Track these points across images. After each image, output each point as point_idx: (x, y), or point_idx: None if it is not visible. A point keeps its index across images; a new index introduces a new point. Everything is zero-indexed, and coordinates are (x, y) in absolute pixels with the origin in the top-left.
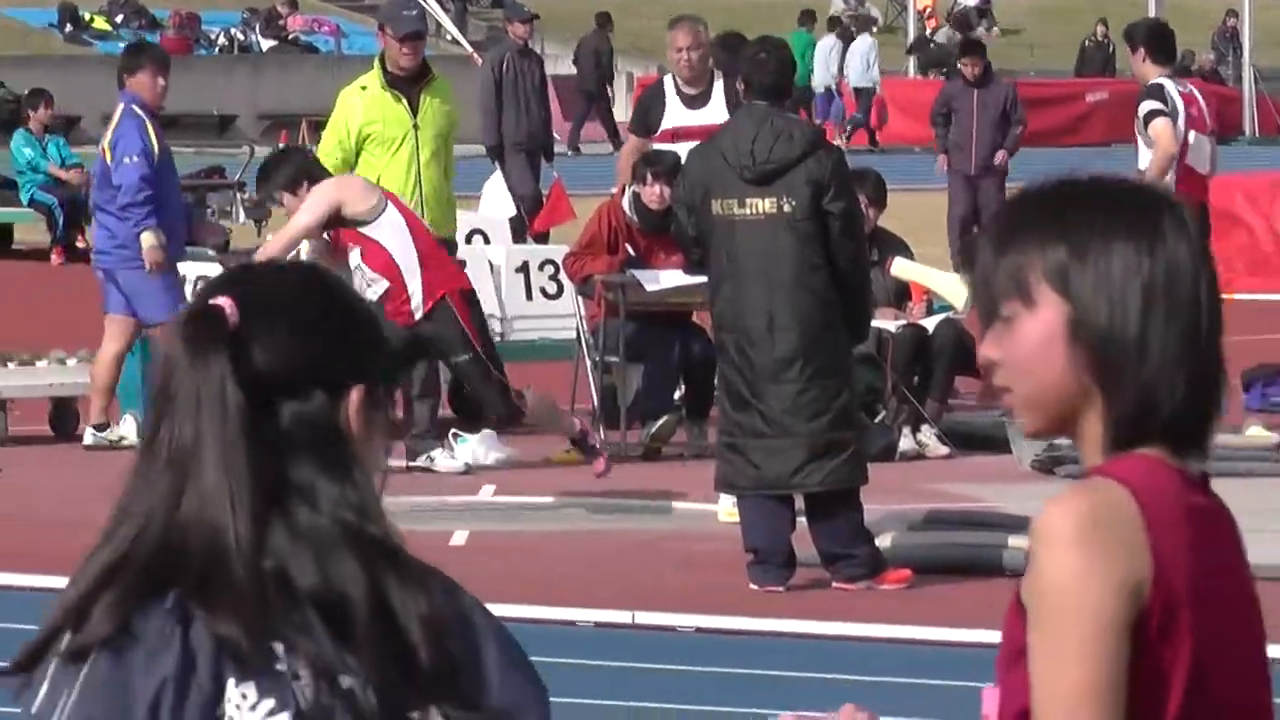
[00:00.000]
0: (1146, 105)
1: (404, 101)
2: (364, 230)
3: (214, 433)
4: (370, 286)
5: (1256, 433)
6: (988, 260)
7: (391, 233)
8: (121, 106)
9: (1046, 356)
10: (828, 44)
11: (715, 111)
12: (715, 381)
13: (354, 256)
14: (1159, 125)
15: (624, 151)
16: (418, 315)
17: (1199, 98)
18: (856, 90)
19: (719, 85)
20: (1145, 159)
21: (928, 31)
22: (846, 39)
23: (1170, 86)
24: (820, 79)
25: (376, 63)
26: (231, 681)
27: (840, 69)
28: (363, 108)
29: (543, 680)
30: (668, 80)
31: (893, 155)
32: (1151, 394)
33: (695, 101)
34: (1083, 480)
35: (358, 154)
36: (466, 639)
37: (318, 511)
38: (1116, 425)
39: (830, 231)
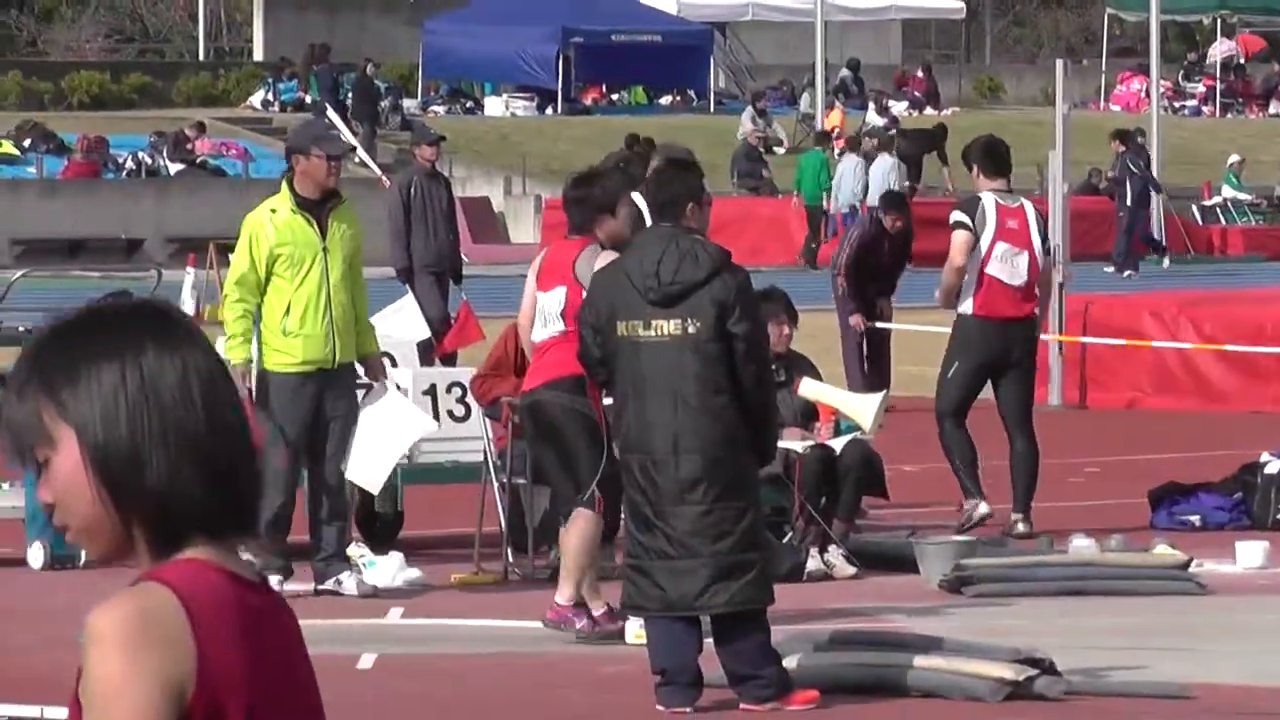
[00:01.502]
0: (954, 216)
1: (313, 224)
2: None
3: None
4: None
5: (1163, 551)
6: (13, 411)
7: None
8: None
9: (78, 487)
10: (851, 163)
11: None
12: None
13: None
14: (955, 237)
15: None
16: None
17: (1027, 213)
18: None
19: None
20: None
21: (835, 152)
22: (869, 159)
23: (989, 200)
24: (845, 198)
25: (284, 185)
26: None
27: (865, 188)
28: (273, 230)
29: None
30: (638, 199)
31: (804, 274)
32: (163, 500)
33: None
34: (132, 586)
35: (268, 278)
36: None
37: None
38: (147, 534)
39: (735, 353)
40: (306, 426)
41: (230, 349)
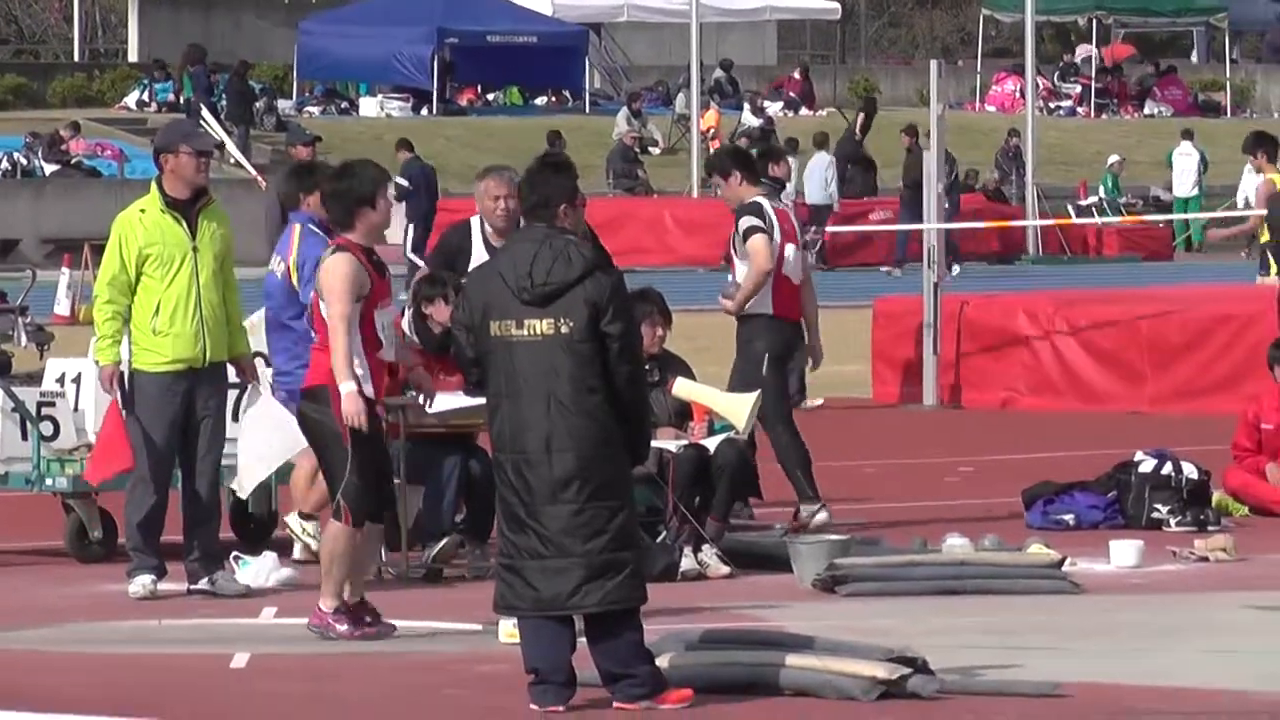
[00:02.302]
0: (745, 221)
1: (183, 223)
2: None
3: None
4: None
5: (1037, 550)
6: None
7: None
8: (299, 227)
9: None
10: (823, 160)
11: None
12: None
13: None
14: (757, 241)
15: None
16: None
17: (790, 214)
18: (813, 207)
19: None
20: (742, 272)
21: (711, 153)
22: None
23: (766, 204)
24: (817, 196)
25: (154, 185)
26: None
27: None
28: (143, 230)
29: None
30: (475, 223)
31: (680, 274)
32: None
33: None
34: None
35: (138, 278)
36: None
37: None
38: None
39: (608, 353)
40: (178, 425)
41: (100, 350)
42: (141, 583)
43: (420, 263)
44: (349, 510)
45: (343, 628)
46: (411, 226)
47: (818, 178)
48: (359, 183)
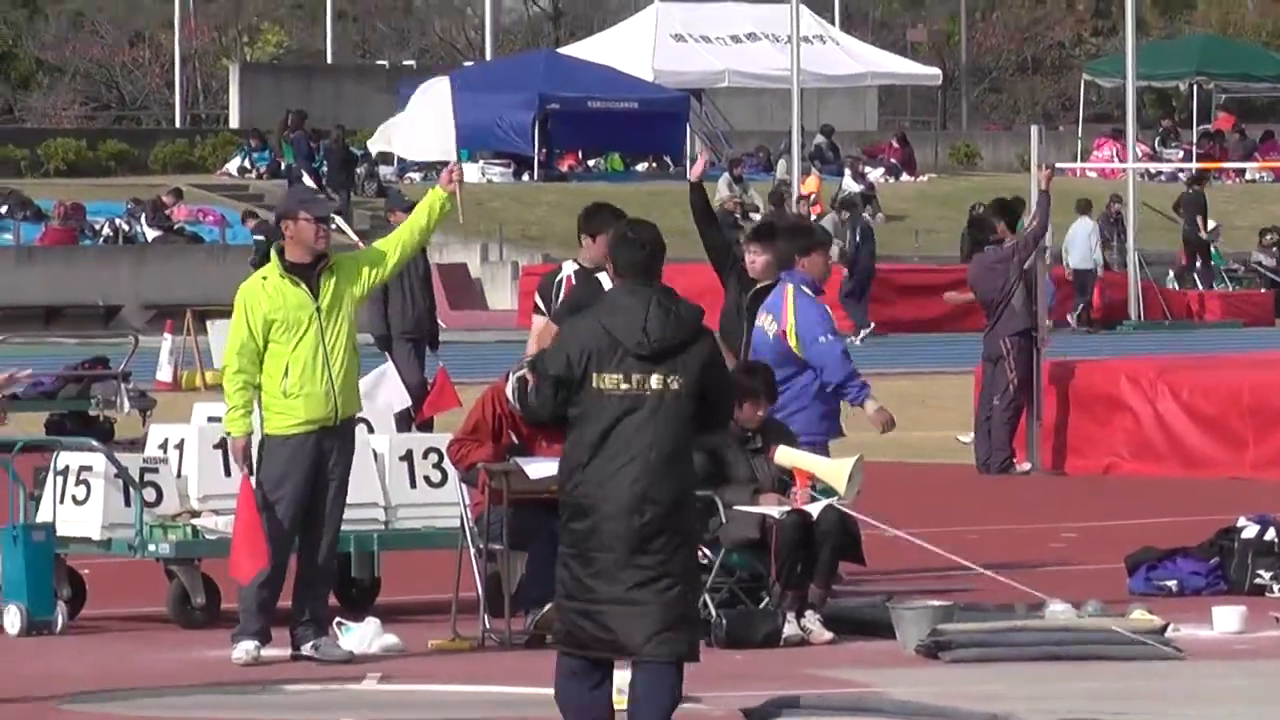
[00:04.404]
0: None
1: (304, 286)
2: None
3: None
4: None
5: (1140, 616)
6: None
7: None
8: (791, 287)
9: None
10: (1087, 227)
11: None
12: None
13: None
14: None
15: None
16: None
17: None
18: (1077, 272)
19: None
20: None
21: (813, 218)
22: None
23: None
24: (1082, 260)
25: (274, 253)
26: None
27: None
28: (266, 297)
29: None
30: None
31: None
32: None
33: None
34: None
35: (265, 344)
36: None
37: None
38: None
39: (708, 410)
40: (309, 486)
41: (231, 421)
42: (245, 648)
43: None
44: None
45: None
46: None
47: (1081, 242)
48: None
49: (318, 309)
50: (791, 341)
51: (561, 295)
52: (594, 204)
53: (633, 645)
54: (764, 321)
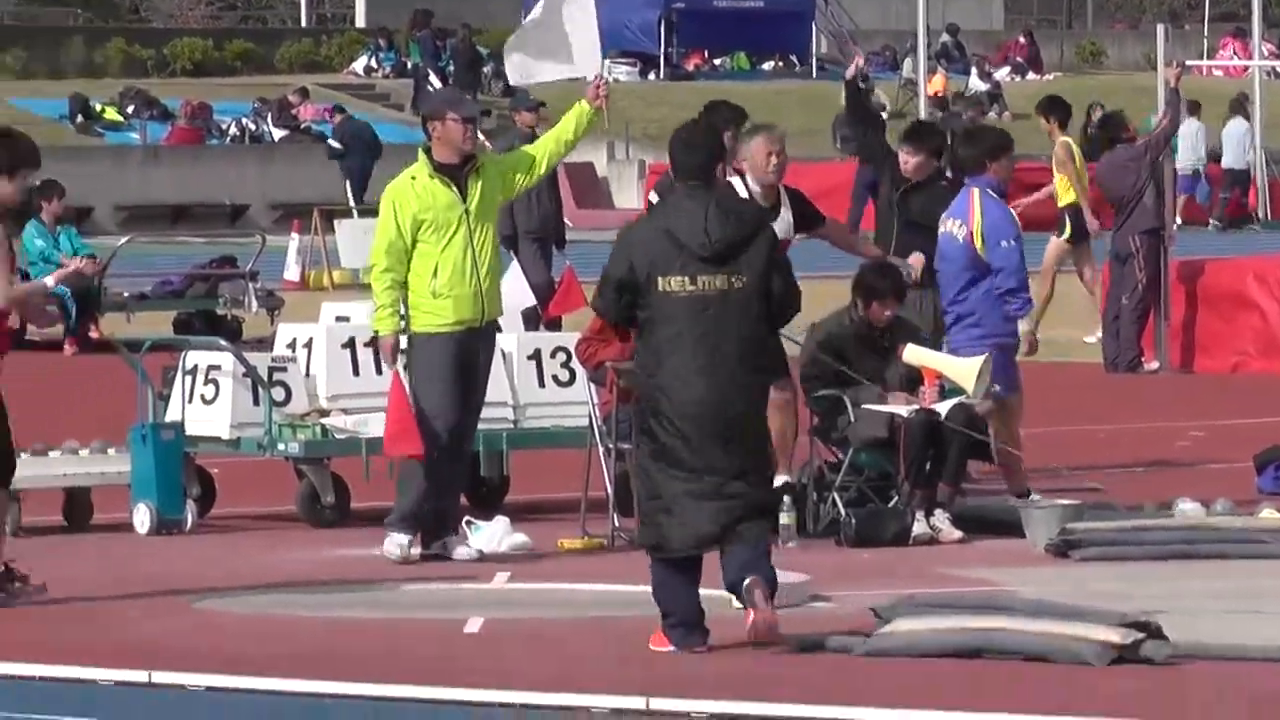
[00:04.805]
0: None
1: (453, 188)
2: None
3: None
4: None
5: (1269, 515)
6: None
7: None
8: (978, 191)
9: None
10: (1192, 127)
11: (783, 225)
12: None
13: None
14: None
15: None
16: None
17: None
18: (1229, 171)
19: (786, 197)
20: None
21: (939, 116)
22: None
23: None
24: (1187, 161)
25: (421, 152)
26: None
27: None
28: (415, 197)
29: None
30: (737, 184)
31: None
32: None
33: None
34: None
35: (413, 244)
36: None
37: None
38: None
39: (772, 304)
40: (457, 384)
41: (379, 320)
42: (399, 542)
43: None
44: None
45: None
46: (349, 184)
47: (1236, 142)
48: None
49: (466, 210)
50: (978, 243)
51: None
52: (712, 101)
53: (713, 538)
54: (951, 226)
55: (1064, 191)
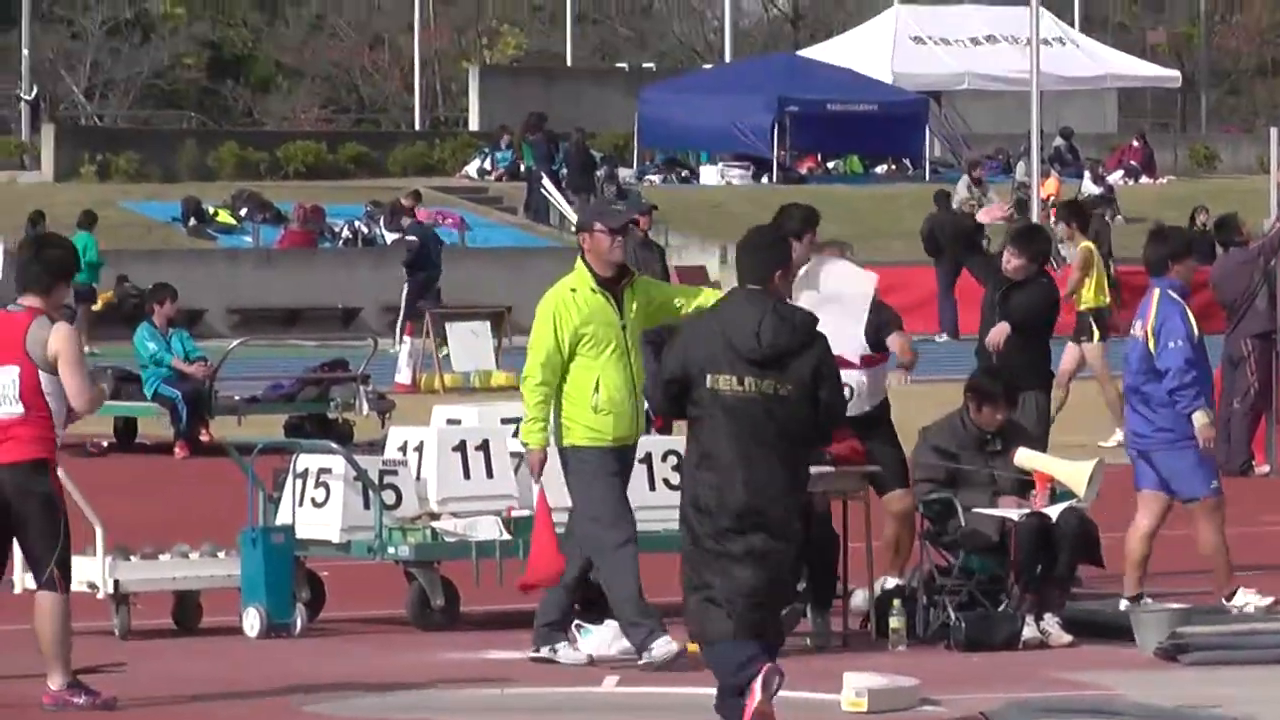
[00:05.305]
0: None
1: (612, 301)
2: None
3: None
4: None
5: None
6: None
7: None
8: (1158, 292)
9: None
10: None
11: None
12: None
13: None
14: None
15: None
16: None
17: None
18: None
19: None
20: None
21: (1052, 220)
22: None
23: None
24: None
25: (580, 263)
26: None
27: None
28: (576, 309)
29: None
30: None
31: None
32: None
33: None
34: None
35: (571, 356)
36: None
37: None
38: None
39: (819, 414)
40: (617, 499)
41: (530, 433)
42: (665, 645)
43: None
44: (62, 579)
45: (79, 700)
46: (406, 291)
47: None
48: (57, 254)
49: (623, 325)
50: (1151, 343)
51: None
52: (785, 205)
53: (755, 630)
54: (1135, 327)
55: (1087, 295)
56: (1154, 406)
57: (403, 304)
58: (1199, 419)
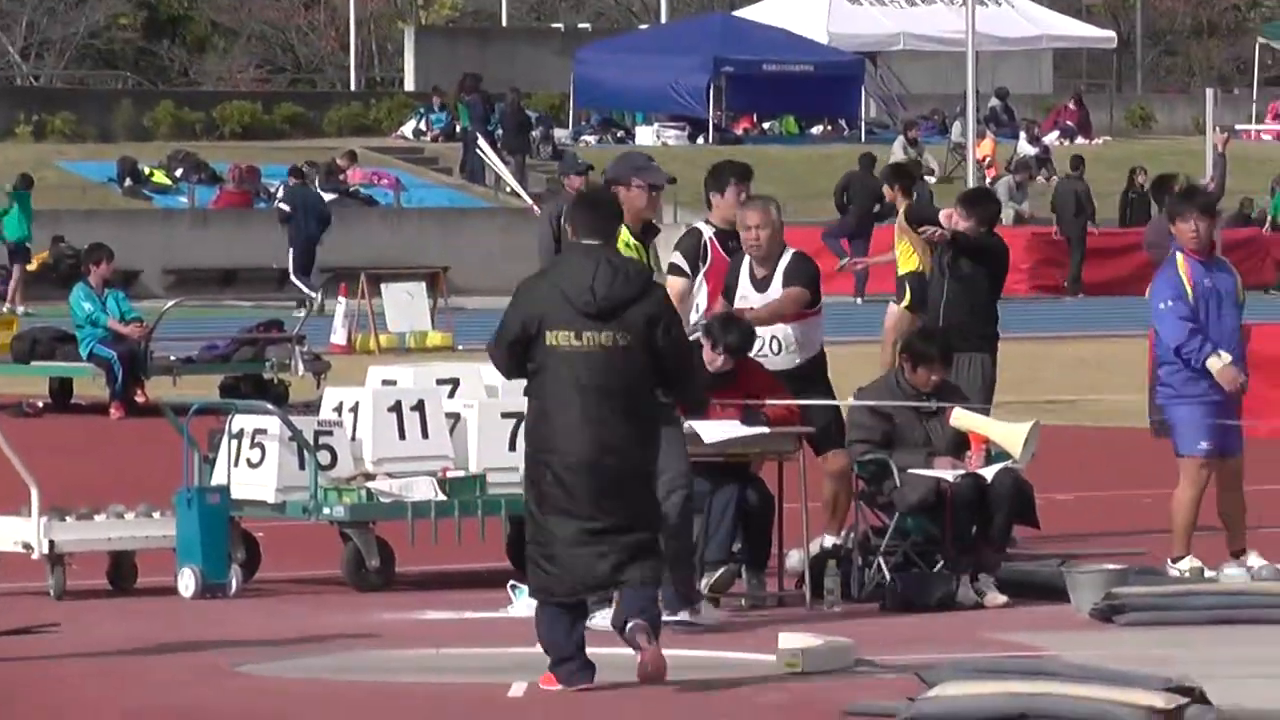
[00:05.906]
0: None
1: (644, 253)
2: None
3: None
4: None
5: None
6: None
7: None
8: (1180, 255)
9: None
10: None
11: (775, 296)
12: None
13: None
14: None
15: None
16: None
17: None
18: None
19: (783, 264)
20: None
21: (987, 180)
22: None
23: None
24: None
25: None
26: None
27: None
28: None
29: None
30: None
31: None
32: None
33: (761, 285)
34: None
35: None
36: None
37: None
38: None
39: (662, 362)
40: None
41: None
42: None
43: (302, 285)
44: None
45: None
46: (293, 250)
47: None
48: None
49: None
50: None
51: (709, 259)
52: (719, 161)
53: (600, 581)
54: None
55: (905, 259)
56: (1163, 365)
57: (290, 266)
58: (1213, 365)
